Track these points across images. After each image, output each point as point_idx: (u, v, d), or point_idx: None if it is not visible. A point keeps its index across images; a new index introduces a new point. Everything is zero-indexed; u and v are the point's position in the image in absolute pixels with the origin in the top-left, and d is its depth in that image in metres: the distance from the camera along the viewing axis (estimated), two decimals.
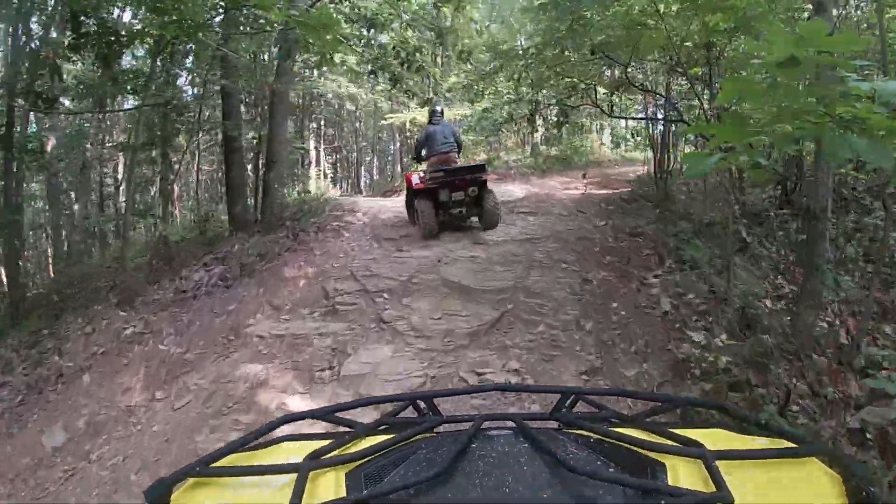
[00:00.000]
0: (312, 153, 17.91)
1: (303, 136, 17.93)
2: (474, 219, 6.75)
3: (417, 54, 8.01)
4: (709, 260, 4.89)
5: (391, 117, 15.04)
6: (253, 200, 9.32)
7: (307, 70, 14.13)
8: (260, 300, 5.54)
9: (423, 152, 6.76)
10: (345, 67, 12.55)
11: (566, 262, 5.43)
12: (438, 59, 14.19)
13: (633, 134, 14.99)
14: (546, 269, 5.24)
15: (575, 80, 8.62)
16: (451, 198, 6.33)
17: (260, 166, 9.56)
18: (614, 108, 11.19)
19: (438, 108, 7.09)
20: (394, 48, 8.17)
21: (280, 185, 8.57)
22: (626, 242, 6.02)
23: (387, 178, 19.82)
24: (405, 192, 7.13)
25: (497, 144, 17.16)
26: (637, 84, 8.43)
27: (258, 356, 4.41)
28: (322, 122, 19.97)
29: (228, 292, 5.90)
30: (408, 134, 16.05)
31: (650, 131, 9.97)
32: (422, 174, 6.57)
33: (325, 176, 17.99)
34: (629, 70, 7.47)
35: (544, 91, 10.44)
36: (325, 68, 11.92)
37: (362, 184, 22.34)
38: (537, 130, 15.20)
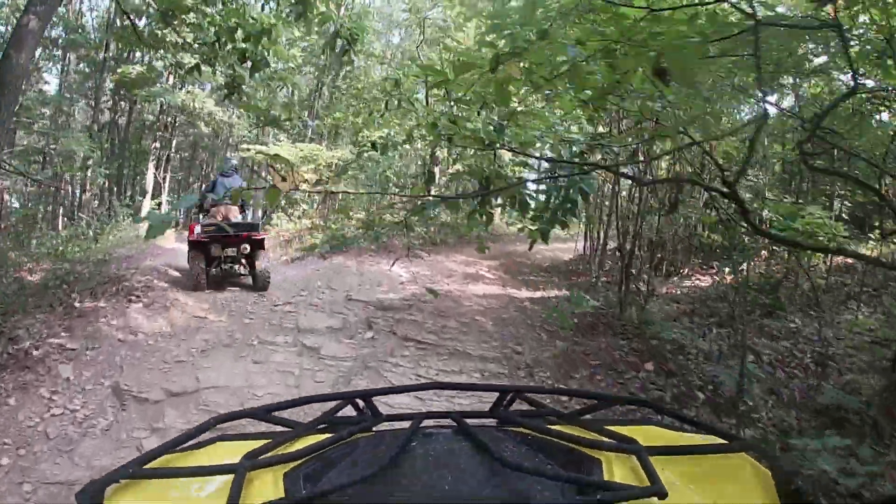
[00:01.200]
0: (150, 179, 13.84)
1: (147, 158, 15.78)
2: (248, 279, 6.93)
3: (265, 39, 4.90)
4: None
5: (251, 148, 12.49)
6: None
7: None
8: None
9: (208, 201, 6.89)
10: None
11: None
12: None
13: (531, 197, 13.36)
14: None
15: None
16: (224, 252, 6.51)
17: None
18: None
19: (233, 161, 7.95)
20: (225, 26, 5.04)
21: None
22: None
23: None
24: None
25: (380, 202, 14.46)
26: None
27: None
28: (170, 146, 16.01)
29: None
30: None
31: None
32: (201, 226, 6.58)
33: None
34: None
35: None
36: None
37: None
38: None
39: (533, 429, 0.85)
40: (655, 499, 0.65)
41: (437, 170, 12.65)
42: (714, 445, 0.79)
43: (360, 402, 0.96)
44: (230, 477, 0.67)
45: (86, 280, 5.78)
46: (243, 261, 6.81)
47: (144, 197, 14.61)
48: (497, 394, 0.97)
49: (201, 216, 7.11)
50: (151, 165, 14.59)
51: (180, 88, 13.19)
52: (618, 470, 0.74)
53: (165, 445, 0.79)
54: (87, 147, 13.10)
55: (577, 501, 0.70)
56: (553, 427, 0.86)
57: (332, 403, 0.96)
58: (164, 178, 17.27)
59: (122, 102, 19.82)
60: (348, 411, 0.97)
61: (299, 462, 0.75)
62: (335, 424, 0.90)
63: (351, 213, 13.37)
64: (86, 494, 0.68)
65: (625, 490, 0.68)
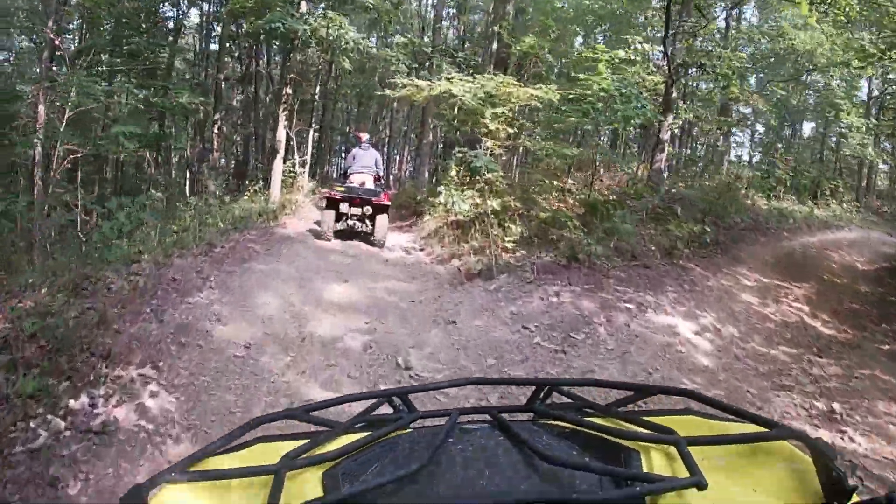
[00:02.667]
0: (281, 136, 12.00)
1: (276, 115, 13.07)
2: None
3: None
4: None
5: (407, 84, 9.37)
6: None
7: None
8: None
9: (348, 171, 8.95)
10: None
11: None
12: None
13: None
14: None
15: None
16: (350, 211, 8.28)
17: None
18: None
19: (364, 137, 9.43)
20: None
21: None
22: None
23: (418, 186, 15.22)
24: None
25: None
26: None
27: None
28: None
29: None
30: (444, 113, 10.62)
31: None
32: (336, 188, 8.60)
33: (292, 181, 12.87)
34: None
35: None
36: None
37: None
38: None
39: (570, 421, 0.87)
40: (696, 489, 0.66)
41: None
42: (754, 434, 0.78)
43: (397, 400, 0.98)
44: (270, 478, 0.70)
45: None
46: (367, 220, 8.44)
47: (275, 157, 11.97)
48: (533, 387, 0.99)
49: (340, 181, 9.39)
50: (283, 118, 11.14)
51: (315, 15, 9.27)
52: (657, 461, 0.75)
53: (206, 449, 0.81)
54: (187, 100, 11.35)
55: (617, 494, 0.70)
56: (590, 419, 0.87)
57: (369, 402, 0.99)
58: (308, 134, 13.99)
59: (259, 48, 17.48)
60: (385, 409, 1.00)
61: (337, 461, 0.77)
62: (372, 423, 0.92)
63: (566, 187, 8.77)
64: (129, 499, 0.69)
65: (665, 481, 0.68)
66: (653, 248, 7.34)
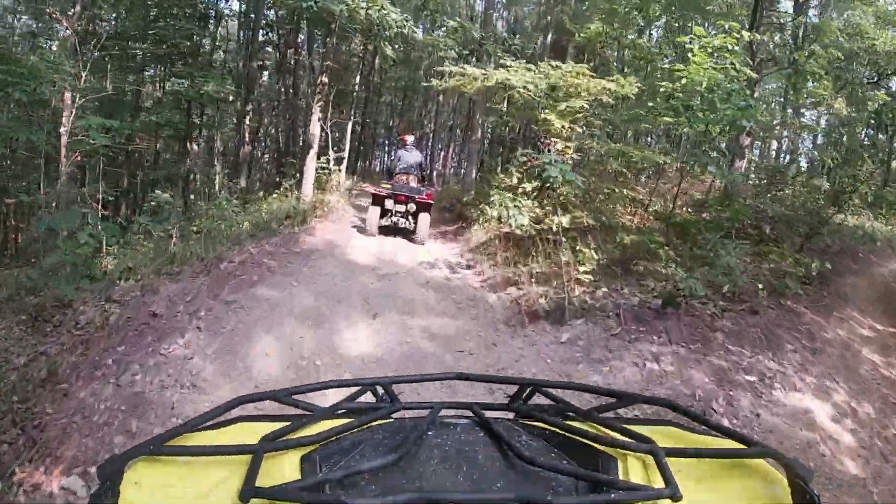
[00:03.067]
0: (315, 130, 10.75)
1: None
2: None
3: None
4: None
5: (456, 72, 8.14)
6: None
7: None
8: None
9: (394, 171, 9.02)
10: None
11: None
12: None
13: None
14: None
15: None
16: (395, 208, 8.50)
17: None
18: None
19: (409, 139, 9.62)
20: None
21: None
22: None
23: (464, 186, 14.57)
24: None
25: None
26: None
27: None
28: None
29: None
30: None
31: None
32: (382, 185, 8.87)
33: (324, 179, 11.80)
34: None
35: None
36: None
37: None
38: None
39: (550, 423, 0.86)
40: (670, 501, 0.66)
41: None
42: (732, 450, 0.78)
43: (380, 390, 0.99)
44: (248, 457, 0.70)
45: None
46: (410, 217, 8.69)
47: (308, 152, 10.79)
48: (517, 386, 1.00)
49: (385, 180, 9.32)
50: (317, 109, 9.96)
51: None
52: (633, 469, 0.74)
53: (187, 424, 0.80)
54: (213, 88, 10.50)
55: (592, 499, 0.70)
56: (571, 423, 0.87)
57: (353, 389, 0.98)
58: (347, 127, 12.87)
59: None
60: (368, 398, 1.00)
61: (317, 445, 0.76)
62: (354, 410, 0.92)
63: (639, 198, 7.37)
64: (105, 469, 0.70)
65: (639, 490, 0.69)
66: (758, 285, 5.71)
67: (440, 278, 6.78)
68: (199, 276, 5.39)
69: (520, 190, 7.29)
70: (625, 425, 0.84)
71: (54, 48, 13.13)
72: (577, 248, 5.90)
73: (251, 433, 0.77)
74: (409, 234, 8.88)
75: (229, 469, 0.70)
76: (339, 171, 12.65)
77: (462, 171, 17.33)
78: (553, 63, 7.47)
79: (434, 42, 11.99)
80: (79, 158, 9.92)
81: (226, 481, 0.68)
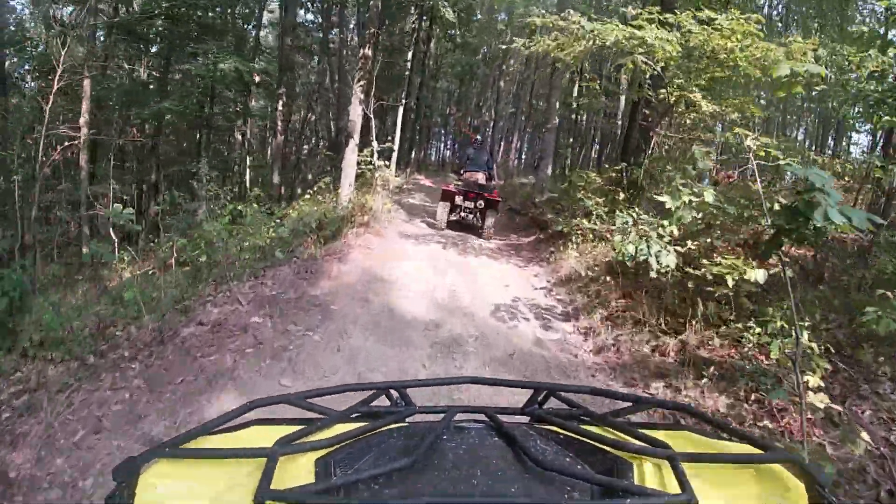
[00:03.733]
0: (356, 116, 8.97)
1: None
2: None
3: None
4: None
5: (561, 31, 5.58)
6: None
7: None
8: None
9: (462, 170, 9.20)
10: None
11: None
12: None
13: None
14: None
15: None
16: (463, 203, 8.92)
17: None
18: None
19: (479, 137, 11.45)
20: None
21: None
22: None
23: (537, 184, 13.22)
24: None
25: None
26: None
27: None
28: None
29: None
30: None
31: None
32: (453, 182, 9.22)
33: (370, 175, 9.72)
34: None
35: None
36: None
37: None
38: None
39: (565, 428, 0.85)
40: None
41: None
42: (749, 455, 0.77)
43: (395, 393, 0.99)
44: (263, 460, 0.69)
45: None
46: (478, 213, 9.08)
47: (347, 143, 9.01)
48: (531, 391, 1.00)
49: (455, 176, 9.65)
50: (358, 91, 7.98)
51: None
52: (649, 475, 0.73)
53: (202, 427, 0.80)
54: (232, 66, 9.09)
55: None
56: (586, 427, 0.85)
57: (367, 393, 0.98)
58: (398, 113, 10.89)
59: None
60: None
61: (331, 449, 0.76)
62: (369, 414, 0.91)
63: None
64: (121, 471, 0.69)
65: (655, 496, 0.67)
66: None
67: (528, 343, 4.31)
68: (134, 361, 3.19)
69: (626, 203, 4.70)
70: (641, 430, 0.83)
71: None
72: (778, 320, 3.27)
73: (266, 436, 0.77)
74: (475, 234, 9.11)
75: (244, 472, 0.70)
76: (387, 165, 10.41)
77: (537, 167, 14.99)
78: (703, 13, 4.82)
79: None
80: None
81: (241, 484, 0.68)
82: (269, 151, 12.85)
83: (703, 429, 0.90)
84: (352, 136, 9.01)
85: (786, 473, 0.73)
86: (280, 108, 11.00)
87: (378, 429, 0.82)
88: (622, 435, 0.82)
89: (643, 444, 0.77)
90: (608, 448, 0.77)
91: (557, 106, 11.94)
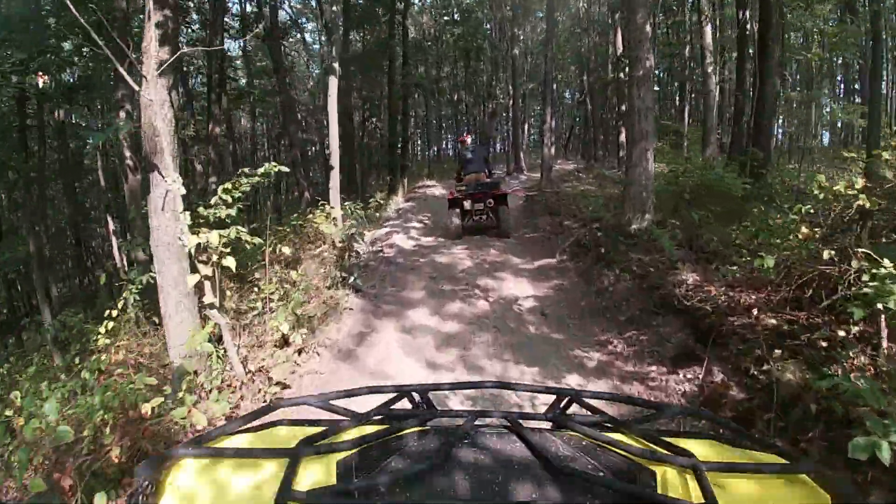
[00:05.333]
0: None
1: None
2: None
3: None
4: None
5: None
6: None
7: None
8: None
9: (462, 175, 9.23)
10: None
11: None
12: None
13: None
14: None
15: None
16: (474, 207, 8.62)
17: None
18: None
19: (469, 140, 10.52)
20: None
21: None
22: None
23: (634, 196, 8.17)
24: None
25: None
26: None
27: None
28: None
29: None
30: None
31: None
32: (456, 189, 8.91)
33: None
34: None
35: None
36: None
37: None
38: None
39: (588, 435, 0.84)
40: None
41: None
42: (774, 465, 0.76)
43: (417, 397, 0.99)
44: (285, 461, 0.71)
45: None
46: (489, 213, 8.71)
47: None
48: (554, 396, 0.99)
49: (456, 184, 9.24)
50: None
51: None
52: (672, 483, 0.73)
53: (227, 427, 0.81)
54: None
55: None
56: (608, 434, 0.84)
57: (389, 396, 0.98)
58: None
59: None
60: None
61: (353, 451, 0.76)
62: (391, 417, 0.91)
63: None
64: (146, 468, 0.71)
65: None
66: None
67: None
68: None
69: None
70: (664, 437, 0.82)
71: None
72: None
73: (289, 437, 0.79)
74: (494, 232, 8.72)
75: (267, 471, 0.72)
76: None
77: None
78: None
79: None
80: None
81: (263, 484, 0.70)
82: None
83: (729, 437, 0.90)
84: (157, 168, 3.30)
85: (811, 484, 0.72)
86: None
87: (400, 432, 0.83)
88: (645, 442, 0.82)
89: (666, 452, 0.78)
90: (631, 455, 0.78)
91: (649, 31, 5.87)
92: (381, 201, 12.06)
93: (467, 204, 8.50)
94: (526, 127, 27.41)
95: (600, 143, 23.66)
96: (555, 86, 20.97)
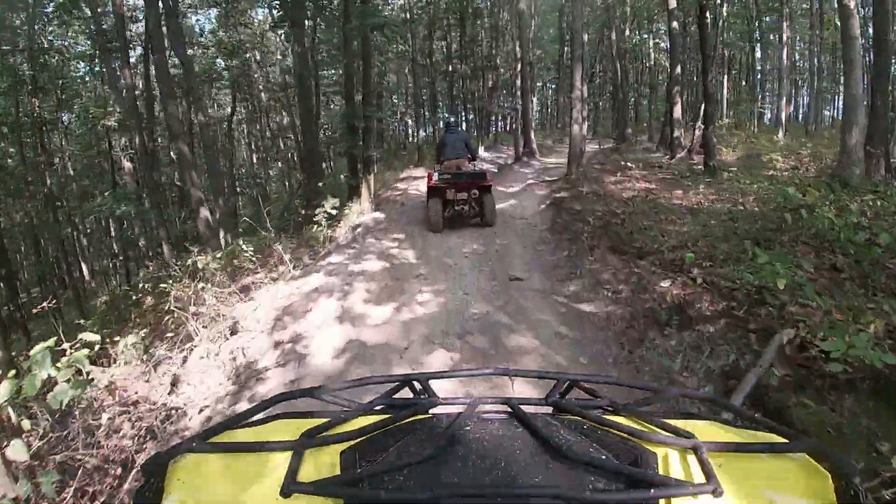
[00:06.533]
0: None
1: None
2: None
3: None
4: None
5: None
6: None
7: None
8: None
9: (441, 158, 8.52)
10: None
11: None
12: None
13: None
14: None
15: None
16: (456, 197, 7.97)
17: None
18: None
19: (452, 120, 9.70)
20: None
21: None
22: None
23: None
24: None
25: None
26: None
27: None
28: None
29: None
30: None
31: None
32: (438, 175, 8.11)
33: None
34: None
35: None
36: None
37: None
38: None
39: (588, 418, 0.84)
40: (711, 496, 0.66)
41: None
42: (774, 444, 0.77)
43: (418, 385, 1.00)
44: (289, 453, 0.71)
45: None
46: (473, 203, 8.12)
47: None
48: (553, 381, 1.00)
49: (437, 168, 8.52)
50: None
51: None
52: (674, 465, 0.74)
53: (228, 421, 0.82)
54: None
55: (631, 495, 0.68)
56: (609, 417, 0.85)
57: (390, 385, 1.00)
58: None
59: None
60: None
61: (355, 441, 0.77)
62: (392, 406, 0.92)
63: None
64: (150, 466, 0.72)
65: (680, 486, 0.68)
66: None
67: None
68: None
69: None
70: (665, 420, 0.83)
71: None
72: None
73: (291, 429, 0.78)
74: (476, 221, 8.25)
75: (271, 465, 0.71)
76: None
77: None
78: None
79: None
80: None
81: (268, 476, 0.69)
82: None
83: (728, 418, 0.93)
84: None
85: (812, 463, 0.72)
86: None
87: (401, 420, 0.82)
88: (646, 424, 0.82)
89: (667, 433, 0.77)
90: (632, 438, 0.77)
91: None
92: (334, 212, 8.22)
93: (450, 193, 7.95)
94: (534, 101, 23.74)
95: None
96: (585, 37, 16.79)
